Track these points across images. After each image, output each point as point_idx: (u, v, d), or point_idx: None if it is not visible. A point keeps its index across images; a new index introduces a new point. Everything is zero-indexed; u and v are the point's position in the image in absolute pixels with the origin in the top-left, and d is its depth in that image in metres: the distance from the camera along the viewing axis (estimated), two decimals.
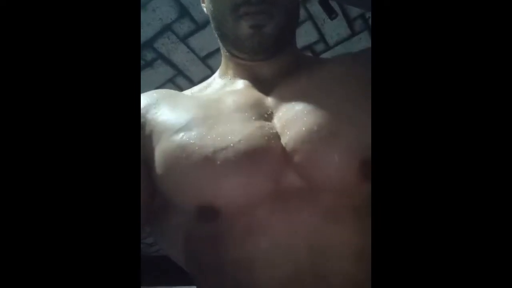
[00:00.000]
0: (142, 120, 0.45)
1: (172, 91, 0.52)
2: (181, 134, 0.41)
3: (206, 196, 0.38)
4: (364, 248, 0.38)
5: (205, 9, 0.54)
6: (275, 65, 0.50)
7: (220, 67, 0.55)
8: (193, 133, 0.40)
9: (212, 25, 0.51)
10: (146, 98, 0.48)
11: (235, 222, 0.38)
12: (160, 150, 0.41)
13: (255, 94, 0.47)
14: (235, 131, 0.40)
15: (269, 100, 0.45)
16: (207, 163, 0.38)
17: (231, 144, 0.39)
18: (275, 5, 0.45)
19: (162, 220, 0.44)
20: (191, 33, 1.55)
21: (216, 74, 0.55)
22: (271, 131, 0.41)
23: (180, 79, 1.77)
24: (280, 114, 0.43)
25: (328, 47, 1.73)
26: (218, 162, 0.38)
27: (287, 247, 0.37)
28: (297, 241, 0.37)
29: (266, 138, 0.40)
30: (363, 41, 1.70)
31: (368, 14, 1.57)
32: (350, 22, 1.61)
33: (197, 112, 0.43)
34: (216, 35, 0.52)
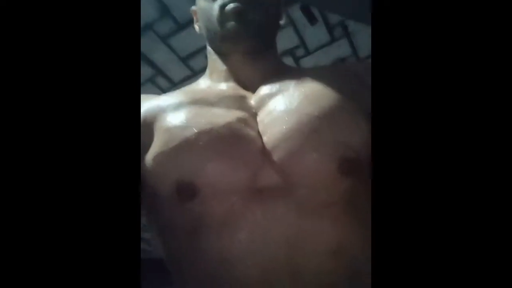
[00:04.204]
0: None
1: (152, 95, 0.53)
2: (168, 119, 0.43)
3: (186, 173, 0.40)
4: (340, 245, 0.39)
5: (197, 27, 0.58)
6: (258, 68, 0.52)
7: (204, 74, 0.57)
8: (178, 117, 0.42)
9: (203, 31, 0.55)
10: None
11: (213, 209, 0.39)
12: (149, 137, 0.43)
13: (239, 93, 0.49)
14: (220, 117, 0.42)
15: (252, 102, 0.47)
16: (190, 143, 0.40)
17: (215, 128, 0.40)
18: None
19: (146, 212, 0.45)
20: (173, 33, 1.55)
21: (200, 79, 0.57)
22: (253, 126, 0.43)
23: (160, 79, 1.75)
24: (263, 115, 0.44)
25: (308, 52, 1.75)
26: (201, 143, 0.40)
27: (262, 241, 0.38)
28: (273, 236, 0.38)
29: (248, 129, 0.42)
30: (342, 48, 1.74)
31: (348, 22, 1.60)
32: (330, 28, 1.65)
33: (183, 98, 0.46)
34: (205, 36, 0.55)
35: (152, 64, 1.66)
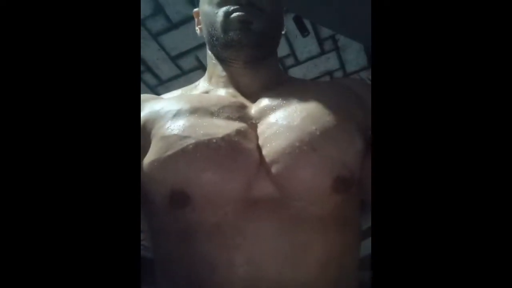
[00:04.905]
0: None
1: (152, 95, 0.53)
2: (166, 126, 0.42)
3: (179, 181, 0.39)
4: (328, 258, 0.40)
5: (198, 29, 0.57)
6: (258, 77, 0.52)
7: (203, 78, 0.57)
8: (177, 125, 0.42)
9: (204, 35, 0.54)
10: None
11: (205, 218, 0.39)
12: (147, 142, 0.43)
13: (239, 102, 0.48)
14: (219, 128, 0.42)
15: (252, 111, 0.47)
16: (187, 153, 0.39)
17: (214, 140, 0.40)
18: (262, 9, 0.49)
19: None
20: (164, 31, 1.54)
21: (198, 82, 0.57)
22: (252, 139, 0.43)
23: (149, 76, 1.74)
24: (263, 127, 0.44)
25: (297, 62, 1.78)
26: (198, 154, 0.39)
27: (252, 251, 0.38)
28: (264, 246, 0.38)
29: (246, 142, 0.42)
30: (331, 61, 1.77)
31: (338, 36, 1.64)
32: (320, 41, 1.68)
33: (183, 106, 0.45)
34: (206, 40, 0.54)
35: (141, 60, 1.65)
